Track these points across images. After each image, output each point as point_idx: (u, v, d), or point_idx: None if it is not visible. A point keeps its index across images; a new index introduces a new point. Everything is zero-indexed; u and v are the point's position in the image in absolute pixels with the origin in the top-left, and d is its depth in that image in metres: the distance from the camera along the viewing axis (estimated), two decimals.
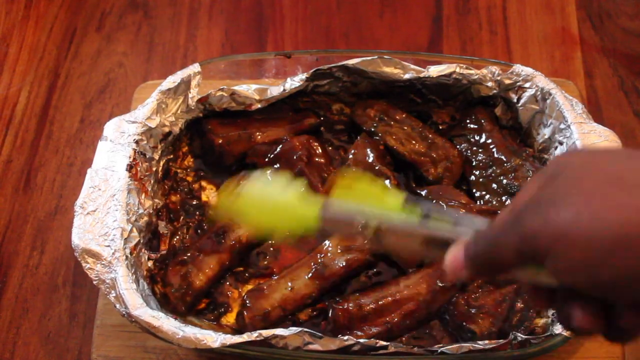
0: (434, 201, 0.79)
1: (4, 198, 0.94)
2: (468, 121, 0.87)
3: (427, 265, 0.77)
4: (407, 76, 0.84)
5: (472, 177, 0.85)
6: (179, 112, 0.82)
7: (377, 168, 0.82)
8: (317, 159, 0.84)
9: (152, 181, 0.79)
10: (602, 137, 0.76)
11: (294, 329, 0.67)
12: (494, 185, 0.83)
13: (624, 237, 0.36)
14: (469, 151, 0.86)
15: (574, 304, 0.41)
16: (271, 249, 0.83)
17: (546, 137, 0.82)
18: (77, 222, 0.72)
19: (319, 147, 0.85)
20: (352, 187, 0.59)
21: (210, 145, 0.85)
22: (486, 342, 0.69)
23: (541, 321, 0.74)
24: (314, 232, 0.57)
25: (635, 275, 0.36)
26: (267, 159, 0.84)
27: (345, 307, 0.75)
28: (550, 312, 0.73)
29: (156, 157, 0.81)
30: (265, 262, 0.82)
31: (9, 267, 0.89)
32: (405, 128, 0.86)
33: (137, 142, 0.77)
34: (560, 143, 0.79)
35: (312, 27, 1.09)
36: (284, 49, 1.06)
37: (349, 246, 0.79)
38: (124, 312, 0.68)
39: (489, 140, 0.85)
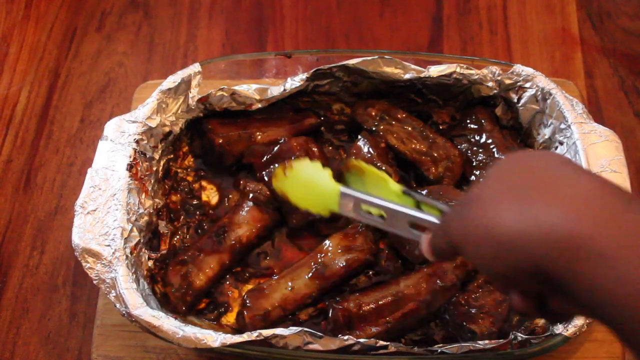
0: (425, 192, 0.80)
1: (4, 198, 0.94)
2: (468, 121, 0.87)
3: (428, 264, 0.77)
4: (407, 76, 0.84)
5: (473, 177, 0.85)
6: (179, 111, 0.82)
7: (378, 165, 0.82)
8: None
9: (152, 181, 0.79)
10: (602, 137, 0.76)
11: (294, 329, 0.67)
12: None
13: (508, 242, 0.42)
14: (469, 151, 0.86)
15: (514, 291, 0.48)
16: (271, 249, 0.83)
17: (546, 137, 0.82)
18: (77, 221, 0.71)
19: (317, 149, 0.85)
20: (361, 173, 0.71)
21: (210, 145, 0.85)
22: (486, 342, 0.69)
23: (541, 321, 0.74)
24: (335, 212, 0.67)
25: (516, 271, 0.43)
26: (264, 160, 0.84)
27: (345, 307, 0.75)
28: None
29: (156, 156, 0.81)
30: (266, 262, 0.82)
31: (9, 267, 0.89)
32: (407, 127, 0.86)
33: (137, 141, 0.77)
34: (561, 143, 0.79)
35: (312, 27, 1.09)
36: (285, 49, 1.06)
37: (350, 246, 0.79)
38: (124, 312, 0.68)
39: (490, 140, 0.85)
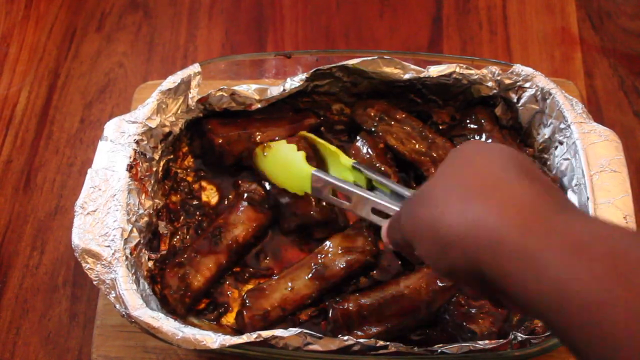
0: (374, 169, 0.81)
1: (4, 198, 0.94)
2: (468, 121, 0.87)
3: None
4: (407, 76, 0.84)
5: None
6: (179, 112, 0.82)
7: (377, 165, 0.82)
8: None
9: (152, 181, 0.79)
10: (602, 136, 0.76)
11: (293, 330, 0.67)
12: None
13: (450, 241, 0.45)
14: None
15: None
16: (271, 249, 0.83)
17: (546, 137, 0.82)
18: (77, 222, 0.71)
19: (307, 145, 0.85)
20: (315, 146, 0.80)
21: (210, 145, 0.85)
22: (486, 342, 0.69)
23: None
24: (308, 192, 0.75)
25: (457, 269, 0.46)
26: None
27: (345, 307, 0.75)
28: None
29: (156, 157, 0.81)
30: (266, 263, 0.82)
31: (9, 267, 0.89)
32: (406, 128, 0.86)
33: (137, 142, 0.77)
34: (560, 143, 0.79)
35: (312, 27, 1.09)
36: (284, 49, 1.06)
37: (350, 247, 0.79)
38: (123, 313, 0.68)
39: (489, 140, 0.85)
